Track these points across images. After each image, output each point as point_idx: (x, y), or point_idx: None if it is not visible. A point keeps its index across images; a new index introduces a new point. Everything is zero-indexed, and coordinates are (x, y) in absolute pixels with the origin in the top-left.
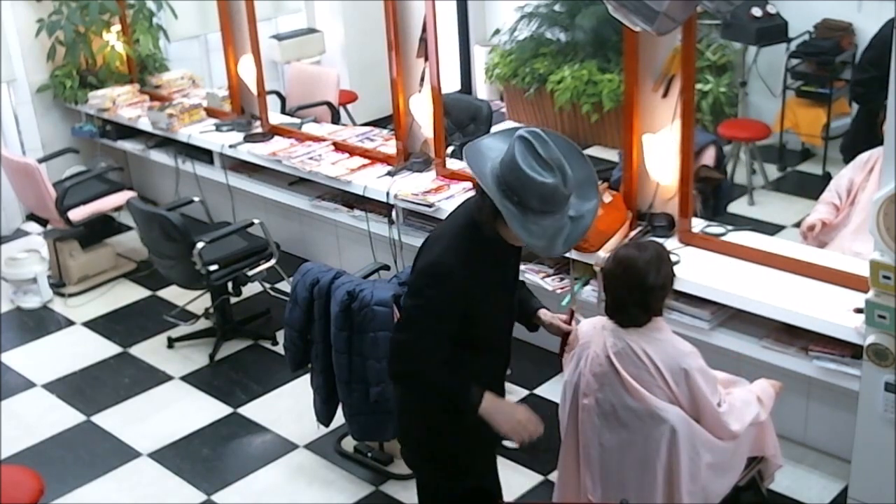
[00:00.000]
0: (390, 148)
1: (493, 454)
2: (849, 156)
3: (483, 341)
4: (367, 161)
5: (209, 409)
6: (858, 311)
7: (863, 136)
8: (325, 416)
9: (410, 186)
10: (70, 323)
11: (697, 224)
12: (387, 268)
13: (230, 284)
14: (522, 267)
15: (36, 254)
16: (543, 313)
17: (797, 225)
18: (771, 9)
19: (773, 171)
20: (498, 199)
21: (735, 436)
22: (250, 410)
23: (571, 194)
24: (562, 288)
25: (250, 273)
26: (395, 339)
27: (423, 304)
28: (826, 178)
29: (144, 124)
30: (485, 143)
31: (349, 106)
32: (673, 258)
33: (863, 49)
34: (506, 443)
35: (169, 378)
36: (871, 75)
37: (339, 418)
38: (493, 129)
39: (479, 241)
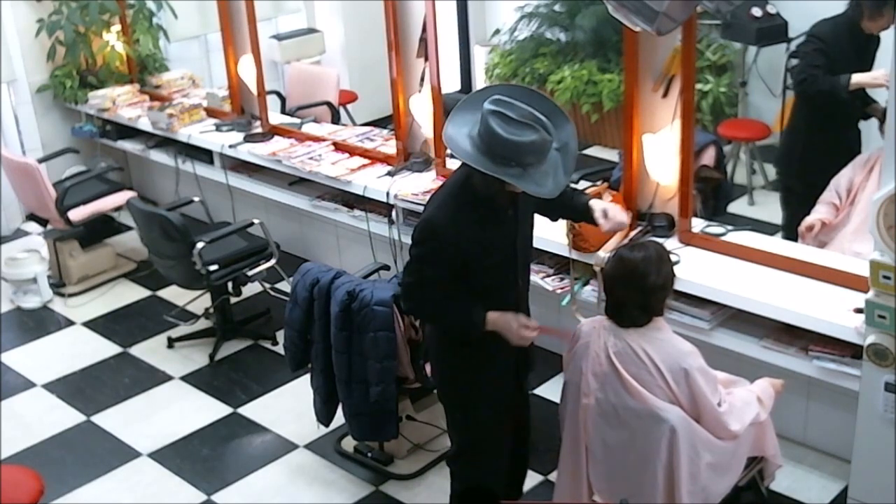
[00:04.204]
0: (390, 148)
1: (504, 397)
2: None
3: (487, 289)
4: (367, 161)
5: (209, 409)
6: (858, 311)
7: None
8: (325, 416)
9: (410, 186)
10: (70, 323)
11: (697, 224)
12: (387, 268)
13: (230, 284)
14: None
15: (36, 254)
16: (593, 203)
17: (797, 225)
18: (771, 9)
19: (773, 171)
20: (501, 172)
21: (735, 436)
22: (250, 410)
23: (552, 134)
24: (562, 288)
25: (250, 273)
26: (402, 281)
27: (417, 254)
28: None
29: (144, 124)
30: (454, 126)
31: (349, 106)
32: (673, 258)
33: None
34: None
35: (169, 378)
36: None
37: (339, 418)
38: None
39: (469, 200)
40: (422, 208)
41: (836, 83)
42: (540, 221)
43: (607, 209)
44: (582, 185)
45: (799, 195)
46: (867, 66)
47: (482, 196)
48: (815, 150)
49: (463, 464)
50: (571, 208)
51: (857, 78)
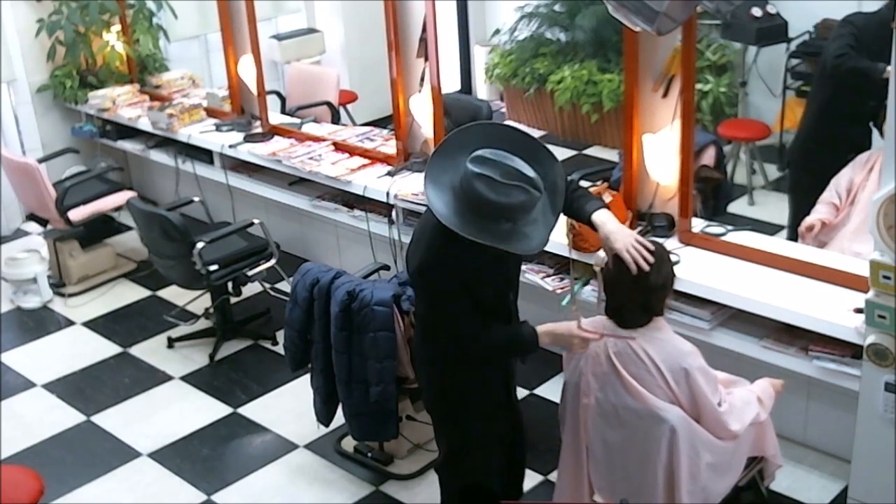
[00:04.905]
0: (390, 148)
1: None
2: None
3: (492, 307)
4: (367, 161)
5: (209, 409)
6: (858, 311)
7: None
8: (325, 416)
9: (410, 186)
10: (70, 323)
11: (697, 224)
12: (387, 268)
13: (230, 284)
14: (522, 267)
15: (36, 254)
16: (598, 219)
17: (802, 218)
18: (771, 9)
19: (773, 171)
20: (489, 232)
21: (735, 436)
22: (250, 410)
23: (541, 190)
24: (562, 288)
25: (250, 273)
26: (441, 347)
27: (432, 303)
28: None
29: (144, 124)
30: (435, 189)
31: (349, 106)
32: (673, 258)
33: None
34: None
35: (169, 378)
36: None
37: (339, 418)
38: None
39: (454, 237)
40: (421, 208)
41: (872, 65)
42: None
43: (612, 246)
44: (582, 184)
45: (805, 188)
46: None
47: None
48: (822, 143)
49: (452, 472)
50: (570, 208)
51: (892, 68)
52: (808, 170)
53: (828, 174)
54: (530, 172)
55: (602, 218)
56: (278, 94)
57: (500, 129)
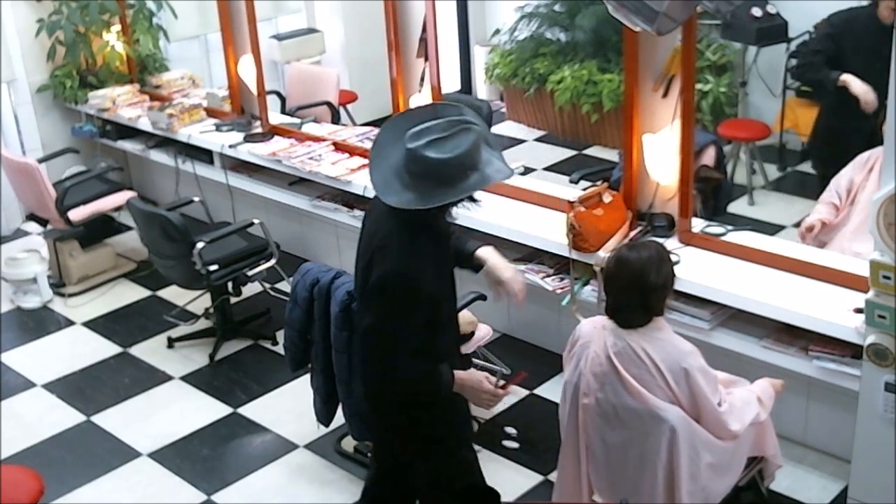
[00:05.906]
0: None
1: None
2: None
3: (441, 319)
4: (366, 161)
5: (209, 409)
6: (858, 311)
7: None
8: (325, 416)
9: None
10: (70, 323)
11: (697, 224)
12: None
13: (230, 284)
14: (522, 267)
15: (36, 254)
16: (483, 254)
17: (797, 225)
18: (771, 9)
19: (773, 171)
20: (466, 189)
21: (735, 436)
22: (250, 410)
23: (471, 117)
24: (562, 288)
25: (250, 273)
26: (373, 345)
27: (395, 311)
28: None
29: (144, 124)
30: (391, 191)
31: (349, 106)
32: (673, 258)
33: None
34: (506, 443)
35: (169, 378)
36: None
37: (339, 418)
38: (493, 129)
39: (423, 235)
40: None
41: (826, 76)
42: (539, 219)
43: (500, 276)
44: (582, 184)
45: (820, 176)
46: (885, 58)
47: (433, 228)
48: (834, 139)
49: (444, 489)
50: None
51: (846, 77)
52: (825, 162)
53: (836, 159)
54: (457, 115)
55: (486, 253)
56: (278, 94)
57: (416, 112)
